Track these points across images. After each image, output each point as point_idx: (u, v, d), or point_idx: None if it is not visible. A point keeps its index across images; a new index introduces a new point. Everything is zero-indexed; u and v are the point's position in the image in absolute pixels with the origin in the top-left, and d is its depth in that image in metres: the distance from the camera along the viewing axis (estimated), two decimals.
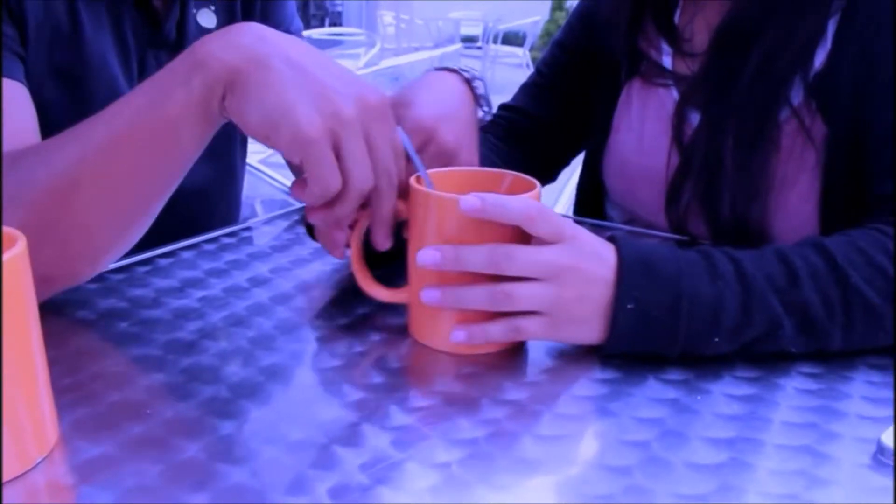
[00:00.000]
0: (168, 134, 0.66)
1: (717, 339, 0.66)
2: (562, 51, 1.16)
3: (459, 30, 10.59)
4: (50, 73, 0.88)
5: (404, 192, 0.68)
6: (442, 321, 0.68)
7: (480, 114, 0.87)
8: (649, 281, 0.65)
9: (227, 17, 1.05)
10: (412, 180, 0.68)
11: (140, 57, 0.96)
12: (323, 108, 0.60)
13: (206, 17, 1.01)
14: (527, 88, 1.18)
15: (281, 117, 0.60)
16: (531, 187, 0.69)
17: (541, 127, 1.14)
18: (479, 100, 0.87)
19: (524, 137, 1.13)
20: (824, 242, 0.70)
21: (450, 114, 0.78)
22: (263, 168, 1.64)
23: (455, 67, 0.88)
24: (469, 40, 10.40)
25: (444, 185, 0.70)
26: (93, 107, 0.85)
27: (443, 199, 0.65)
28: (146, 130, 0.66)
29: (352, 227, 0.70)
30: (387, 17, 10.28)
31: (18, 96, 0.80)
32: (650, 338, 0.66)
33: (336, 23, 13.97)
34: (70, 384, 0.61)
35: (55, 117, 0.84)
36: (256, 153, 1.71)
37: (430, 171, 0.70)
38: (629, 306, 0.64)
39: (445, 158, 0.76)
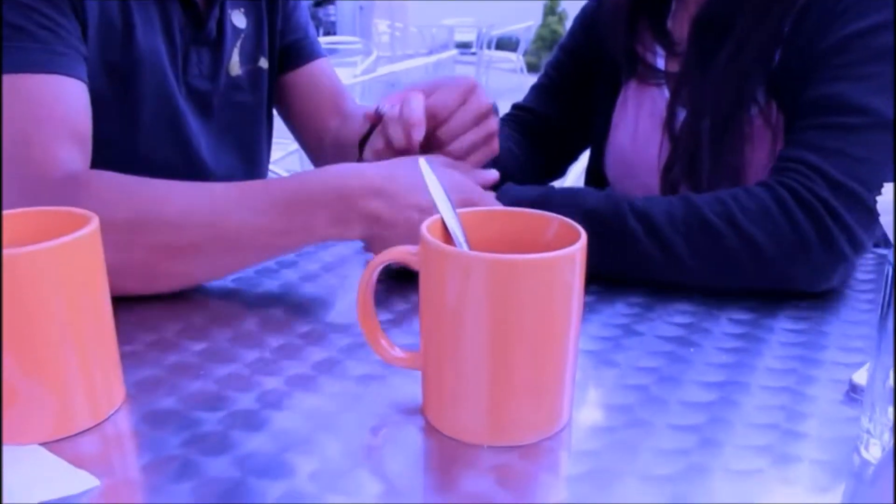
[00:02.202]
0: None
1: (574, 214, 0.77)
2: (566, 54, 1.24)
3: (454, 36, 10.66)
4: (102, 69, 0.94)
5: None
6: (467, 405, 0.57)
7: None
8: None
9: (255, 20, 1.12)
10: (425, 228, 0.57)
11: (185, 53, 1.03)
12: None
13: (238, 18, 1.09)
14: (536, 89, 1.26)
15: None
16: (576, 236, 0.56)
17: (549, 125, 1.23)
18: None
19: (535, 134, 1.22)
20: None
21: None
22: (278, 170, 1.71)
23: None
24: (463, 46, 10.47)
25: (481, 228, 0.62)
26: (142, 102, 0.94)
27: (467, 258, 0.54)
28: (276, 249, 0.81)
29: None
30: (381, 25, 10.35)
31: (81, 95, 0.87)
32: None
33: (330, 32, 14.05)
34: (130, 351, 0.69)
35: (105, 110, 0.92)
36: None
37: (464, 210, 0.63)
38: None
39: (481, 118, 0.88)
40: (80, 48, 0.89)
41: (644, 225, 0.81)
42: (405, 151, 0.87)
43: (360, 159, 0.96)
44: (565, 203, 0.83)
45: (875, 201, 0.79)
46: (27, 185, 0.78)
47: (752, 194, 0.81)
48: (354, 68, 4.83)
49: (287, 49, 1.19)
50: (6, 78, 0.81)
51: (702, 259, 0.80)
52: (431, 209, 0.73)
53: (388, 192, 0.79)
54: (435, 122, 0.88)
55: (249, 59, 1.12)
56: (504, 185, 0.90)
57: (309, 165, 1.36)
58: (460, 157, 0.90)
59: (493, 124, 0.93)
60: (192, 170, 1.06)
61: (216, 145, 1.10)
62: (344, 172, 0.80)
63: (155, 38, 0.98)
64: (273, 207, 0.78)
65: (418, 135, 0.85)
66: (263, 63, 1.15)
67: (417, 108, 0.86)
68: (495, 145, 0.94)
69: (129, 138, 0.99)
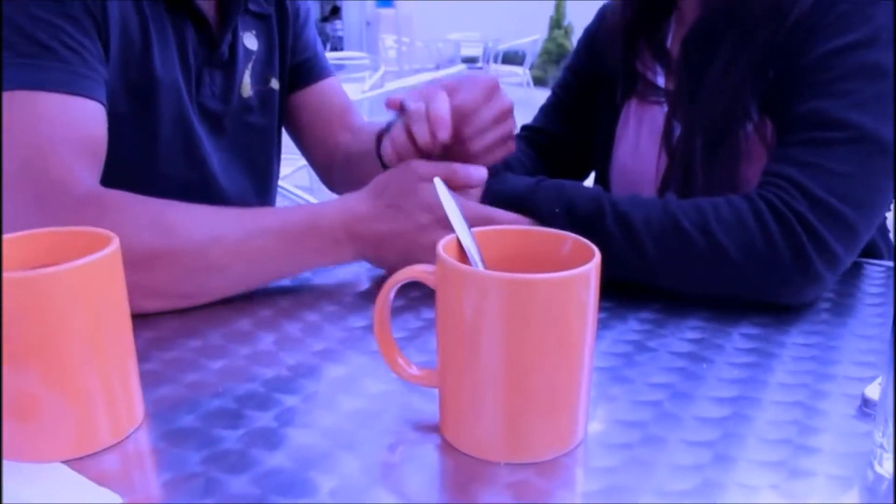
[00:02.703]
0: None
1: (556, 210, 0.84)
2: (572, 74, 1.26)
3: (460, 51, 10.70)
4: (123, 89, 0.96)
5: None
6: (484, 422, 0.57)
7: None
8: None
9: (266, 41, 1.14)
10: (441, 247, 0.58)
11: (198, 75, 1.05)
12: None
13: (250, 41, 1.11)
14: (544, 110, 1.28)
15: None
16: (591, 255, 0.57)
17: (558, 144, 1.24)
18: None
19: (545, 153, 1.24)
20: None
21: None
22: (287, 186, 1.73)
23: None
24: (470, 61, 10.51)
25: (496, 246, 0.63)
26: (160, 122, 0.97)
27: (484, 277, 0.55)
28: (292, 271, 0.88)
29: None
30: (388, 40, 10.41)
31: (100, 118, 0.89)
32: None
33: (337, 47, 14.11)
34: (148, 369, 0.69)
35: (124, 130, 0.95)
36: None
37: (479, 229, 0.63)
38: None
39: (502, 117, 0.92)
40: (102, 71, 0.91)
41: (620, 226, 0.83)
42: (428, 149, 0.88)
43: (377, 152, 1.00)
44: (550, 196, 0.86)
45: (855, 217, 0.81)
46: (46, 203, 0.79)
47: (732, 205, 0.82)
48: (362, 84, 4.86)
49: (297, 68, 1.21)
50: (30, 94, 0.83)
51: (671, 263, 0.82)
52: (436, 206, 0.79)
53: (392, 206, 0.85)
54: (460, 120, 0.89)
55: (261, 80, 1.14)
56: (493, 178, 0.91)
57: (317, 181, 1.37)
58: (481, 154, 0.92)
59: (512, 123, 0.95)
60: (207, 189, 1.08)
61: (228, 165, 1.12)
62: (348, 202, 0.87)
63: (171, 58, 1.00)
64: (290, 234, 0.83)
65: (444, 135, 0.86)
66: (274, 84, 1.16)
67: (444, 107, 0.87)
68: (512, 144, 0.96)
69: (148, 157, 1.00)
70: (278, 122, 1.21)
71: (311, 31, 1.23)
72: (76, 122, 0.85)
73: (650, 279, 0.85)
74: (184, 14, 1.01)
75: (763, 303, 0.83)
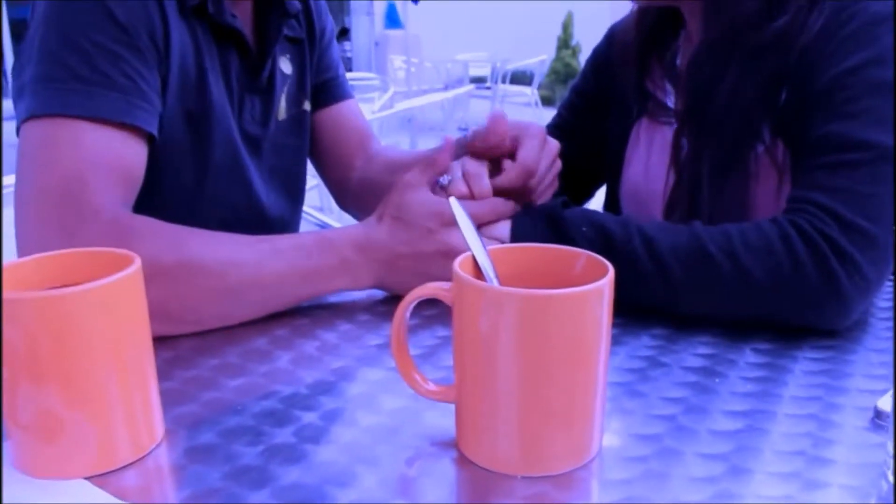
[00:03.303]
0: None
1: (584, 229, 0.85)
2: (578, 96, 1.28)
3: (468, 71, 10.74)
4: (181, 116, 0.98)
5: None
6: (501, 436, 0.58)
7: None
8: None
9: (299, 65, 1.17)
10: (457, 265, 0.59)
11: (240, 101, 1.07)
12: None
13: (285, 65, 1.14)
14: (549, 129, 1.29)
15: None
16: (604, 271, 0.57)
17: (563, 164, 1.25)
18: None
19: None
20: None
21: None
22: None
23: None
24: (478, 81, 10.55)
25: (510, 263, 0.64)
26: (212, 147, 1.01)
27: (500, 293, 0.56)
28: (309, 295, 0.89)
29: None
30: (397, 61, 10.45)
31: (143, 150, 0.91)
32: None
33: (347, 68, 14.16)
34: (167, 387, 0.70)
35: (180, 155, 0.99)
36: None
37: (494, 247, 0.65)
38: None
39: (553, 160, 0.97)
40: (157, 103, 0.93)
41: (647, 248, 0.83)
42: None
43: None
44: (576, 215, 0.87)
45: (886, 237, 0.81)
46: (73, 226, 0.81)
47: (760, 229, 0.82)
48: (372, 104, 4.89)
49: (319, 87, 1.23)
50: (78, 122, 0.85)
51: (697, 289, 0.82)
52: (437, 210, 0.85)
53: (396, 219, 0.87)
54: (526, 176, 0.93)
55: (294, 102, 1.16)
56: (527, 204, 0.94)
57: (328, 199, 1.39)
58: (535, 195, 0.96)
59: (559, 163, 1.00)
60: (252, 209, 1.11)
61: (265, 185, 1.14)
62: (358, 227, 0.89)
63: (219, 85, 1.02)
64: (305, 259, 0.85)
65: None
66: (306, 105, 1.19)
67: (487, 188, 0.91)
68: (556, 181, 1.00)
69: (200, 181, 1.04)
70: (308, 142, 1.23)
71: (335, 51, 1.26)
72: (117, 151, 0.87)
73: (676, 304, 0.84)
74: (230, 42, 1.04)
75: (794, 327, 0.82)
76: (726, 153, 0.98)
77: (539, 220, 0.89)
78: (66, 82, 0.86)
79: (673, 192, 1.05)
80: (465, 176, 0.91)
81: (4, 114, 1.07)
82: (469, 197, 0.90)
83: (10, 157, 1.13)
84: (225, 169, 1.05)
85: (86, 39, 0.86)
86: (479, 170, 0.92)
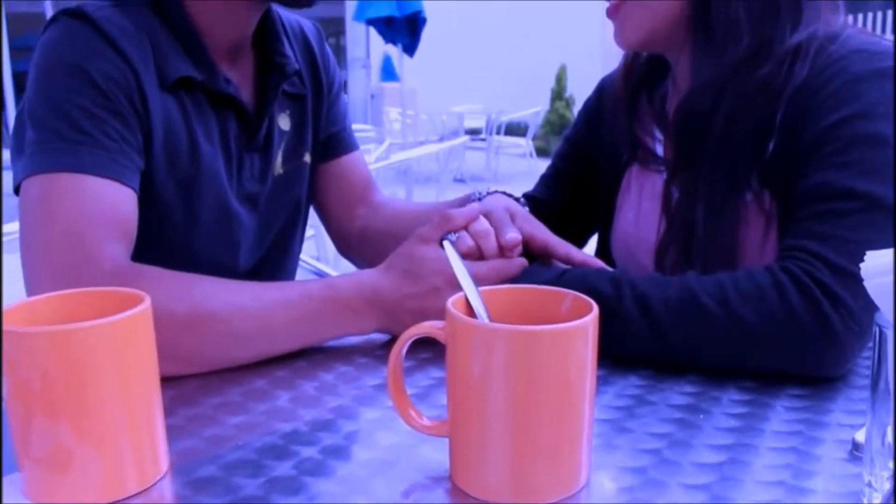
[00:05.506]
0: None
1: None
2: (570, 145, 1.32)
3: (463, 123, 10.85)
4: (171, 180, 1.03)
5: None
6: (492, 466, 0.61)
7: None
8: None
9: (299, 119, 1.20)
10: (450, 304, 0.63)
11: (239, 160, 1.11)
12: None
13: (283, 121, 1.17)
14: (543, 179, 1.34)
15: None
16: (589, 309, 0.61)
17: (556, 213, 1.29)
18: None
19: (544, 221, 1.27)
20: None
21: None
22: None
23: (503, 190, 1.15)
24: (473, 132, 10.65)
25: (501, 303, 0.67)
26: (202, 208, 1.06)
27: (490, 329, 0.59)
28: (313, 337, 0.93)
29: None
30: (392, 112, 10.55)
31: (132, 204, 0.96)
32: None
33: None
34: (170, 424, 0.73)
35: (170, 217, 1.04)
36: None
37: (485, 288, 0.68)
38: None
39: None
40: (139, 162, 0.98)
41: (639, 305, 0.85)
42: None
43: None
44: (576, 283, 0.88)
45: None
46: (78, 275, 0.85)
47: (752, 277, 0.84)
48: (368, 155, 4.94)
49: (327, 140, 1.27)
50: (73, 176, 0.90)
51: (692, 340, 0.84)
52: (446, 269, 0.88)
53: (406, 272, 0.91)
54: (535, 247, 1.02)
55: (292, 157, 1.20)
56: (526, 269, 0.97)
57: (325, 249, 1.42)
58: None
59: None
60: (230, 263, 1.14)
61: (256, 238, 1.17)
62: (365, 275, 0.93)
63: (214, 149, 1.07)
64: (310, 306, 0.89)
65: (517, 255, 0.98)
66: (306, 158, 1.23)
67: (517, 236, 0.98)
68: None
69: (187, 240, 1.07)
70: (307, 192, 1.26)
71: (343, 104, 1.30)
72: (111, 204, 0.91)
73: (672, 357, 0.86)
74: (227, 105, 1.08)
75: (790, 376, 0.83)
76: (716, 201, 1.01)
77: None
78: (54, 143, 0.91)
79: (663, 238, 1.08)
80: (473, 235, 0.95)
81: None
82: (476, 253, 0.94)
83: (8, 205, 1.16)
84: (213, 228, 1.09)
85: (69, 104, 0.92)
86: (488, 229, 0.96)
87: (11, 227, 1.44)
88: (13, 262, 0.95)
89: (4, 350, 0.57)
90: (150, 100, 0.98)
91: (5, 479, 0.62)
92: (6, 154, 1.04)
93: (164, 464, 0.65)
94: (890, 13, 9.68)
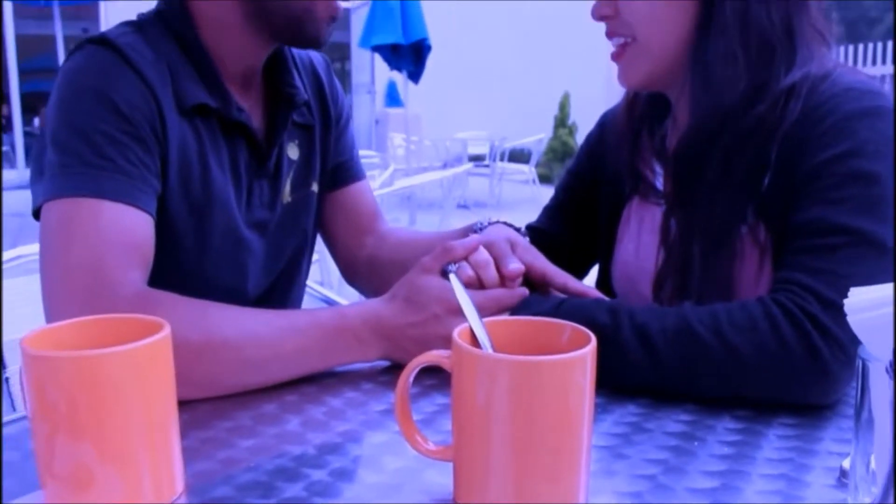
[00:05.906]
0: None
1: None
2: (573, 178, 1.36)
3: (467, 149, 10.91)
4: (183, 205, 1.06)
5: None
6: (495, 490, 0.63)
7: None
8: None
9: (307, 148, 1.24)
10: (456, 335, 0.65)
11: (248, 187, 1.14)
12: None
13: (292, 151, 1.21)
14: (546, 210, 1.37)
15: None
16: (587, 340, 0.64)
17: (558, 243, 1.32)
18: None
19: (546, 252, 1.30)
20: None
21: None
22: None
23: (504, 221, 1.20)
24: (477, 159, 10.70)
25: (504, 334, 0.70)
26: (212, 234, 1.10)
27: (494, 359, 0.63)
28: (322, 363, 0.96)
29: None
30: (397, 138, 10.61)
31: (149, 228, 0.99)
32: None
33: None
34: (184, 446, 0.76)
35: (182, 242, 1.07)
36: None
37: (489, 319, 0.71)
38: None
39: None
40: (157, 187, 1.01)
41: (637, 336, 0.88)
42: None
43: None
44: (574, 313, 0.92)
45: None
46: (97, 300, 0.88)
47: (745, 308, 0.87)
48: (373, 181, 4.98)
49: (335, 170, 1.30)
50: (94, 201, 0.93)
51: (688, 370, 0.87)
52: (447, 297, 0.92)
53: (408, 301, 0.95)
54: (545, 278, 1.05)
55: (300, 185, 1.23)
56: (526, 298, 0.99)
57: (329, 275, 1.45)
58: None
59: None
60: (240, 288, 1.17)
61: (265, 264, 1.21)
62: (372, 305, 0.96)
63: (225, 176, 1.10)
64: (320, 334, 0.93)
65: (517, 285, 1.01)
66: (314, 187, 1.26)
67: (520, 266, 1.01)
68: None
69: (198, 264, 1.10)
70: (314, 221, 1.29)
71: (351, 133, 1.33)
72: (130, 230, 0.95)
73: (669, 385, 0.88)
74: (239, 133, 1.11)
75: (783, 404, 0.86)
76: (714, 234, 1.05)
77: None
78: (76, 168, 0.94)
79: (662, 270, 1.12)
80: (473, 265, 0.98)
81: (6, 184, 1.16)
82: (476, 283, 0.97)
83: (9, 225, 1.20)
84: (224, 253, 1.12)
85: (93, 129, 0.96)
86: (488, 259, 0.99)
87: (31, 249, 1.48)
88: (33, 283, 0.98)
89: (33, 373, 0.60)
90: (168, 125, 1.02)
91: (28, 497, 0.65)
92: (6, 174, 1.08)
93: (179, 484, 0.68)
94: (890, 43, 9.74)
